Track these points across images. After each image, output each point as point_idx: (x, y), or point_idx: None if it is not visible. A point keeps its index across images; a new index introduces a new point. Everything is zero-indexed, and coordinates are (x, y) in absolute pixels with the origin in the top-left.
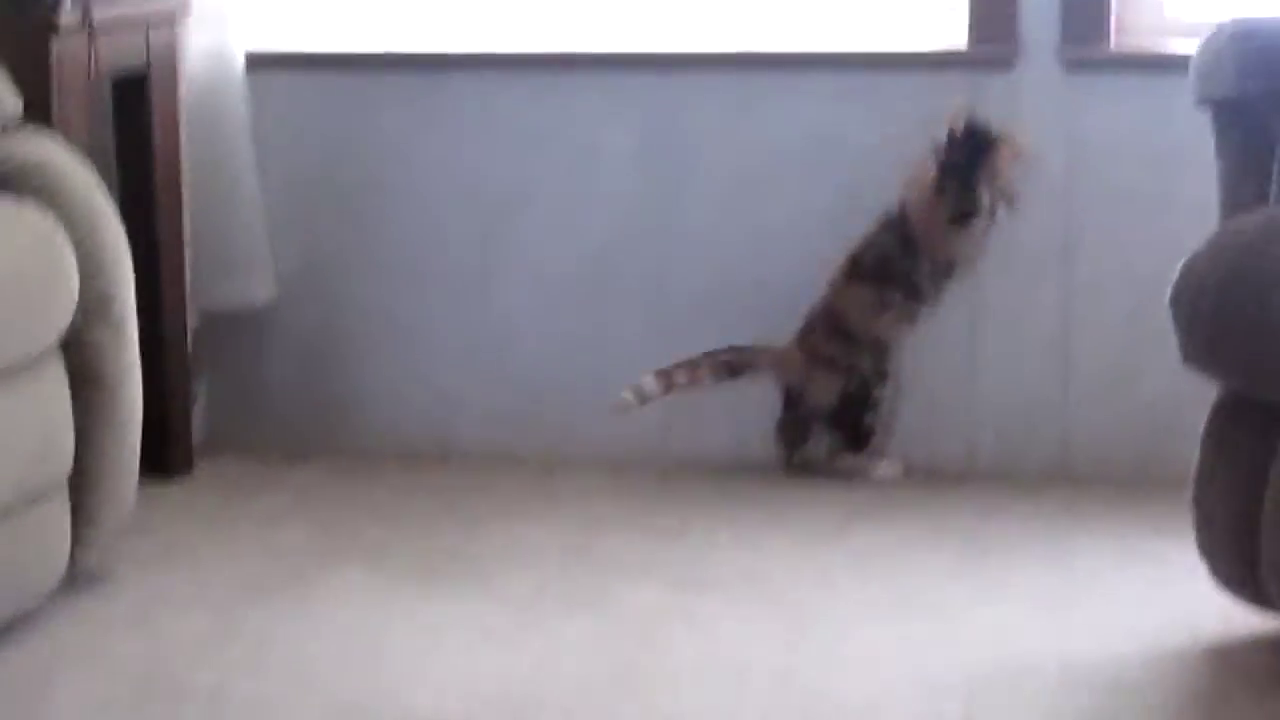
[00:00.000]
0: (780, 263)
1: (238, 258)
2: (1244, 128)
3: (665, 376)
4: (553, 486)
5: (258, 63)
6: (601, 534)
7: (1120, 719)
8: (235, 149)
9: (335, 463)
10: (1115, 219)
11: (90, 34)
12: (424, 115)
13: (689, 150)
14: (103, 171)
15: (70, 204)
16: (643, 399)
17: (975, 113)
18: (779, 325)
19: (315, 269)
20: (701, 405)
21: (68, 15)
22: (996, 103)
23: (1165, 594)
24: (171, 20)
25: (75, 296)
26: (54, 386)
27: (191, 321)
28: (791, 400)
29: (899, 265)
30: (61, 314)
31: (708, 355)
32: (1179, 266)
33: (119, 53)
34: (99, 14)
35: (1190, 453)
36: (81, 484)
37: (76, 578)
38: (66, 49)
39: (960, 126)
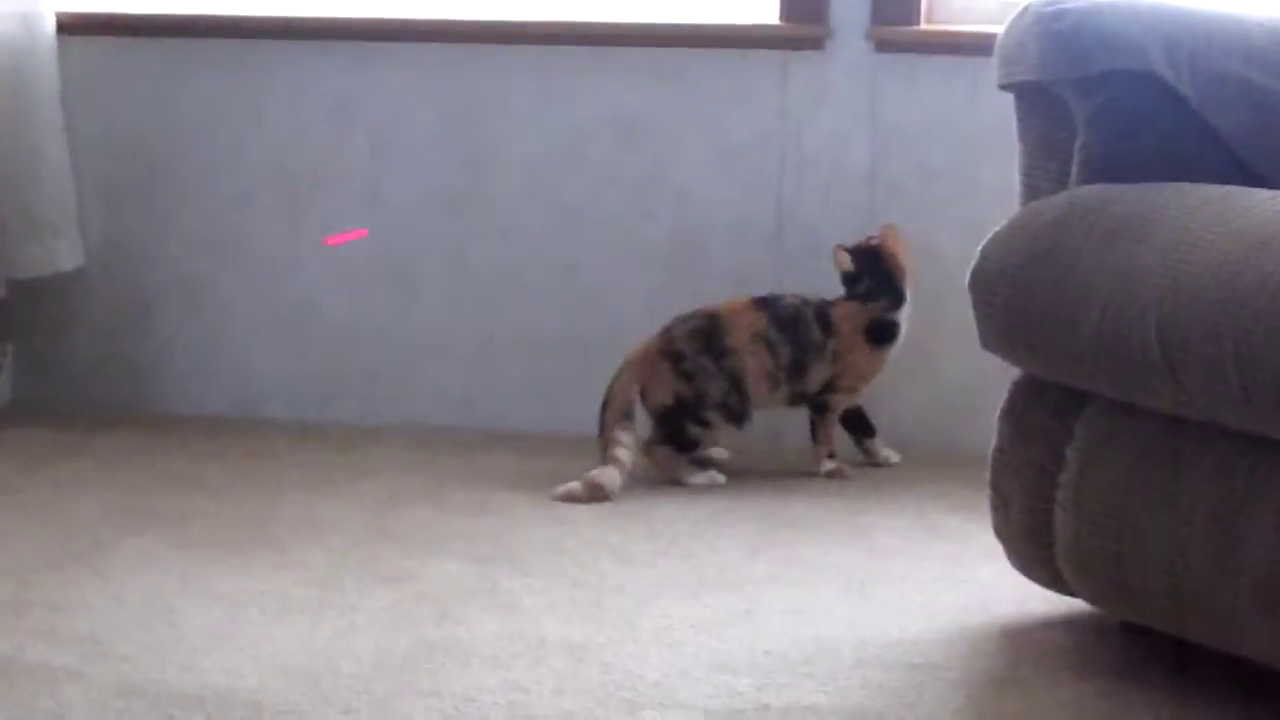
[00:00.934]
0: (585, 241)
1: (45, 224)
2: (1046, 112)
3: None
4: (354, 459)
5: (68, 25)
6: (402, 507)
7: (916, 697)
8: (43, 114)
9: (139, 431)
10: (921, 200)
11: None
12: (232, 83)
13: (495, 125)
14: None
15: None
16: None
17: (846, 246)
18: (582, 304)
19: (123, 236)
20: (505, 378)
21: None
22: (806, 82)
23: (963, 574)
24: None
25: None
26: None
27: None
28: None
29: (806, 356)
30: None
31: (609, 415)
32: (978, 250)
33: None
34: None
35: (991, 434)
36: None
37: None
38: None
39: (847, 262)
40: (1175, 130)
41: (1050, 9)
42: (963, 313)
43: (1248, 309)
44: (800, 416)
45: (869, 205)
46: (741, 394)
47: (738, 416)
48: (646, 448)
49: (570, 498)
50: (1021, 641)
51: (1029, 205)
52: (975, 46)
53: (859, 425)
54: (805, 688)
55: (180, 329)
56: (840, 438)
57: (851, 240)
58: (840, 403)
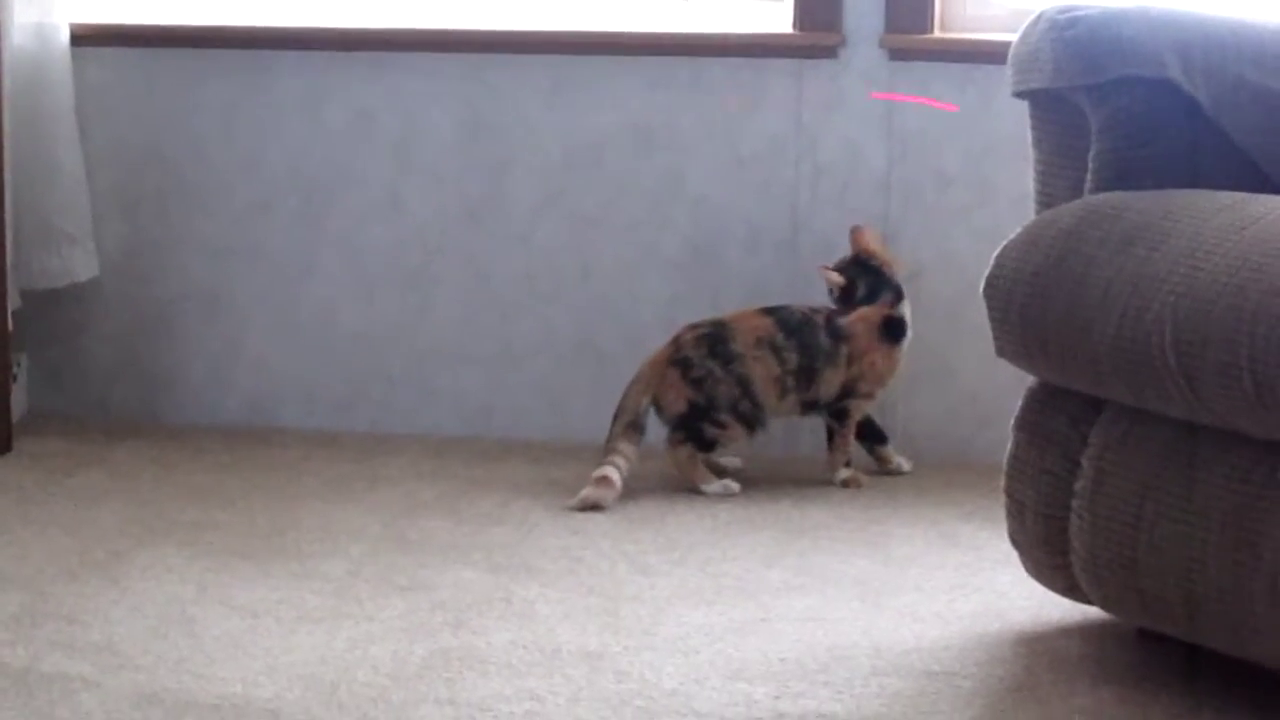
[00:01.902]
0: (602, 249)
1: (60, 234)
2: (1060, 119)
3: (614, 466)
4: (372, 468)
5: (82, 36)
6: (419, 516)
7: (931, 705)
8: (58, 124)
9: (155, 441)
10: (936, 208)
11: None
12: (248, 92)
13: (511, 133)
14: None
15: None
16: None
17: (828, 265)
18: (599, 312)
19: (138, 246)
20: (525, 387)
21: None
22: (820, 90)
23: (978, 581)
24: None
25: None
26: None
27: (12, 299)
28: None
29: (815, 363)
30: None
31: (617, 426)
32: (993, 257)
33: None
34: None
35: (1006, 442)
36: None
37: None
38: None
39: (837, 278)
40: (1189, 136)
41: (1064, 16)
42: (978, 320)
43: (1262, 315)
44: (815, 424)
45: (884, 212)
46: (753, 400)
47: (750, 422)
48: (668, 447)
49: (586, 505)
50: (1037, 649)
51: (1044, 212)
52: (989, 54)
53: (870, 433)
54: (821, 696)
55: (197, 338)
56: (854, 449)
57: (831, 260)
58: (859, 408)
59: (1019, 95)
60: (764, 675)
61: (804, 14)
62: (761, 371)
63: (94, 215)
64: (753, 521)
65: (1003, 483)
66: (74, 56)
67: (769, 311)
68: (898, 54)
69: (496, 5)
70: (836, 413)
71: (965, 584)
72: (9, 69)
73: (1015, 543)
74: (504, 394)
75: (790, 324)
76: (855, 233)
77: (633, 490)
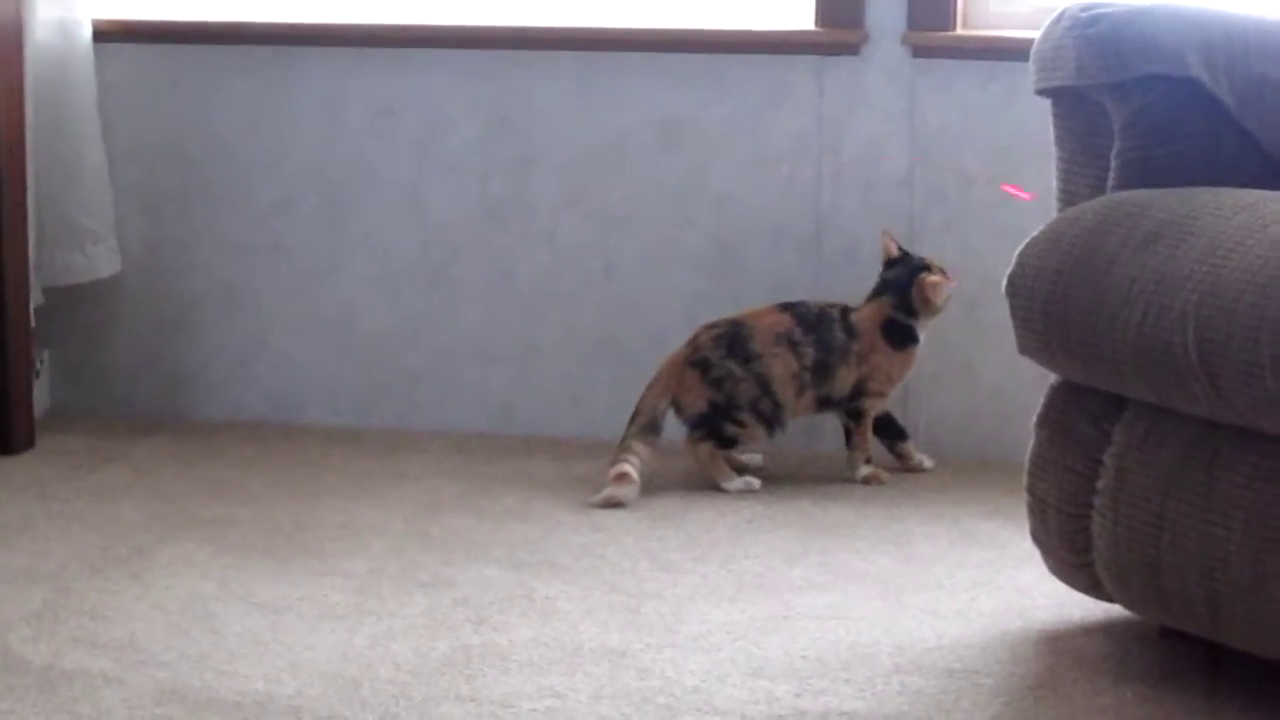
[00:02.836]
0: (625, 246)
1: (83, 231)
2: (1083, 117)
3: (628, 470)
4: (394, 464)
5: (105, 32)
6: (442, 513)
7: (953, 703)
8: (80, 120)
9: (177, 437)
10: (959, 205)
11: None
12: (271, 89)
13: (535, 131)
14: None
15: None
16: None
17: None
18: (622, 309)
19: (160, 243)
20: (548, 384)
21: None
22: (843, 87)
23: (1000, 580)
24: None
25: None
26: None
27: (35, 295)
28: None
29: (830, 358)
30: None
31: (632, 427)
32: (1015, 255)
33: None
34: None
35: (1028, 440)
36: None
37: None
38: None
39: (894, 248)
40: (1213, 135)
41: (1086, 14)
42: (1000, 318)
43: None
44: (835, 421)
45: (907, 210)
46: (772, 399)
47: (770, 422)
48: (689, 444)
49: (609, 503)
50: (1059, 647)
51: (1066, 210)
52: (1011, 51)
53: (890, 430)
54: (843, 693)
55: (219, 335)
56: (874, 445)
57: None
58: (872, 406)
59: (1041, 93)
60: (786, 672)
61: (826, 11)
62: (780, 369)
63: (116, 212)
64: (774, 519)
65: (1025, 481)
66: (96, 53)
67: (786, 307)
68: (920, 51)
69: (519, 2)
70: (851, 412)
71: (987, 582)
72: (32, 65)
73: (1037, 541)
74: (527, 391)
75: (808, 319)
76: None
77: (654, 488)
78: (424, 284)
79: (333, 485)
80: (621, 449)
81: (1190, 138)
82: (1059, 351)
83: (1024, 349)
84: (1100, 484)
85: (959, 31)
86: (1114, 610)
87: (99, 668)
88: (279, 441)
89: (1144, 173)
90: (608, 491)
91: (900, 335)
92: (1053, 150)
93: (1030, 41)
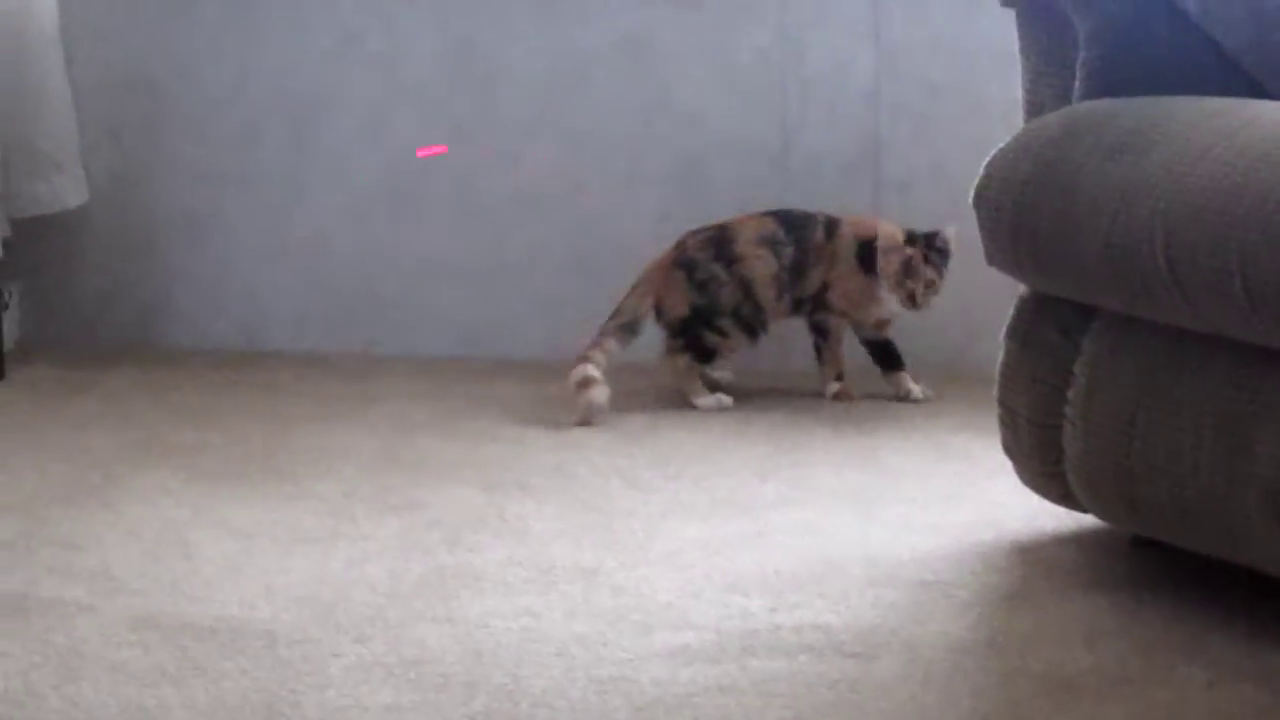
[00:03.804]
0: (592, 165)
1: (48, 161)
2: (1048, 27)
3: (592, 363)
4: (364, 388)
5: None
6: (413, 435)
7: (927, 615)
8: (44, 50)
9: (147, 366)
10: (925, 118)
11: None
12: (235, 15)
13: (498, 51)
14: None
15: None
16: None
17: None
18: (590, 228)
19: (127, 172)
20: (517, 305)
21: None
22: (807, 3)
23: (972, 492)
24: None
25: None
26: None
27: (1, 227)
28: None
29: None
30: None
31: (609, 324)
32: (982, 166)
33: None
34: None
35: (998, 352)
36: None
37: None
38: None
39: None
40: (1177, 43)
41: None
42: (968, 230)
43: (1252, 221)
44: (806, 338)
45: (873, 124)
46: (754, 301)
47: (751, 328)
48: (666, 357)
49: (587, 417)
50: (1032, 558)
51: (1033, 121)
52: None
53: (885, 357)
54: (817, 607)
55: (187, 262)
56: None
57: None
58: (834, 325)
59: (1007, 4)
60: (759, 588)
61: None
62: (762, 270)
63: (82, 141)
64: (745, 436)
65: (995, 392)
66: None
67: (772, 213)
68: None
69: None
70: (816, 326)
71: (959, 494)
72: None
73: (1008, 452)
74: (496, 312)
75: (791, 220)
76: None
77: (625, 407)
78: (391, 207)
79: (303, 410)
80: (592, 344)
81: (1155, 46)
82: (1027, 262)
83: (992, 260)
84: (1070, 394)
85: None
86: (1085, 520)
87: (72, 596)
88: (249, 368)
89: (1109, 82)
90: (580, 404)
91: (873, 262)
92: (1018, 61)
93: None
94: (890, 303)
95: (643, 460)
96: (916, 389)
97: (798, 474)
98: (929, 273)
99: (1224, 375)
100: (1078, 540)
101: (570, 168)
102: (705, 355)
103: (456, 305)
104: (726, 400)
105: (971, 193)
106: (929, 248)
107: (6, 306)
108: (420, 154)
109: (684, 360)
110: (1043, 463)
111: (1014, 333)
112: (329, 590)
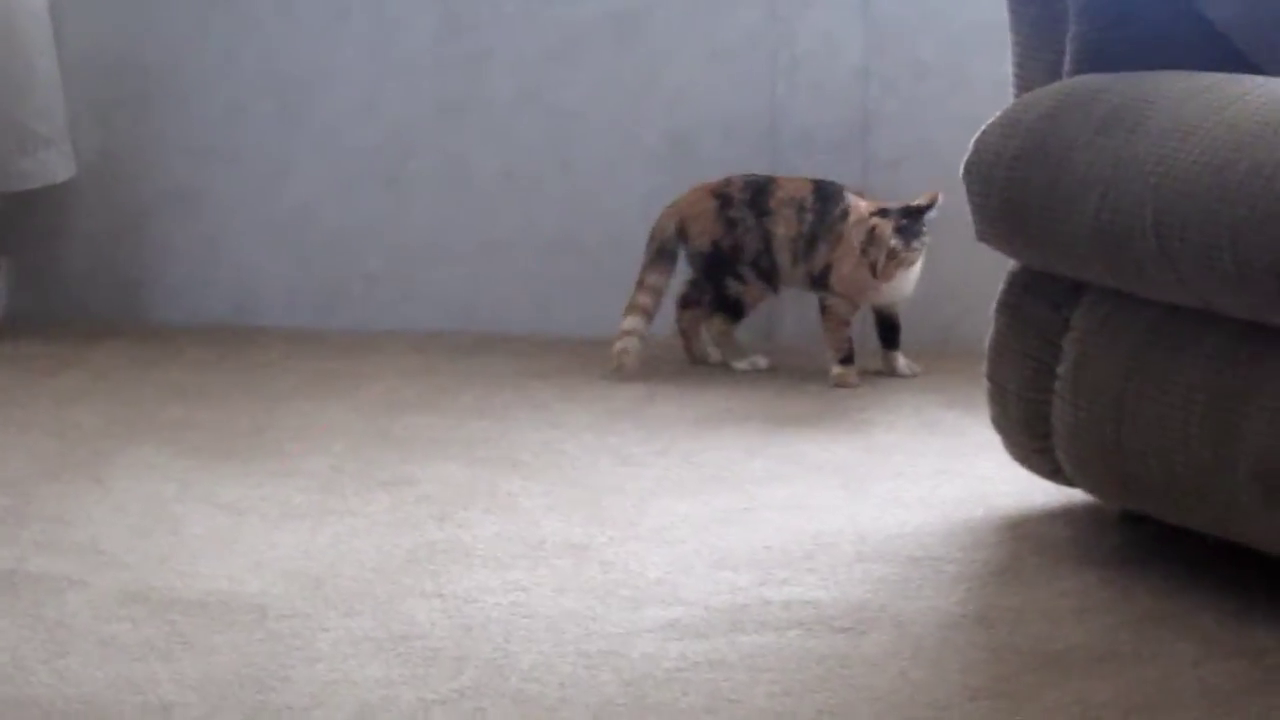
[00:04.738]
0: (582, 142)
1: (35, 136)
2: (1037, 3)
3: (642, 312)
4: (353, 365)
5: None
6: (402, 411)
7: (917, 590)
8: (32, 26)
9: (135, 342)
10: (914, 95)
11: None
12: None
13: (487, 28)
14: None
15: None
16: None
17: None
18: (579, 205)
19: (115, 147)
20: (506, 281)
21: None
22: None
23: (961, 467)
24: None
25: None
26: None
27: None
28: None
29: (820, 231)
30: None
31: (647, 254)
32: (972, 141)
33: None
34: None
35: (987, 328)
36: None
37: None
38: None
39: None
40: (1167, 19)
41: None
42: (958, 206)
43: (1241, 196)
44: (796, 315)
45: (861, 101)
46: (771, 258)
47: (770, 278)
48: (706, 321)
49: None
50: (1021, 533)
51: (1022, 97)
52: None
53: (887, 335)
54: (807, 582)
55: (176, 238)
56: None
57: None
58: (837, 307)
59: None
60: (748, 563)
61: None
62: (782, 230)
63: (70, 116)
64: (734, 412)
65: (985, 368)
66: None
67: (814, 180)
68: None
69: None
70: (820, 304)
71: (948, 470)
72: None
73: (998, 427)
74: (485, 289)
75: (825, 191)
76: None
77: (610, 381)
78: (380, 183)
79: (292, 387)
80: (637, 289)
81: (1146, 22)
82: (1017, 238)
83: (982, 236)
84: (1060, 369)
85: None
86: (1075, 496)
87: (62, 571)
88: (237, 344)
89: (1099, 57)
90: (612, 355)
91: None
92: (1008, 37)
93: None
94: (889, 289)
95: (632, 437)
96: (904, 363)
97: (787, 450)
98: (896, 243)
99: (1214, 351)
100: (1067, 515)
101: (559, 144)
102: (734, 310)
103: (445, 281)
104: (761, 361)
105: (961, 168)
106: (905, 217)
107: None
108: None
109: (718, 321)
110: (1032, 438)
111: (1004, 308)
112: (318, 565)
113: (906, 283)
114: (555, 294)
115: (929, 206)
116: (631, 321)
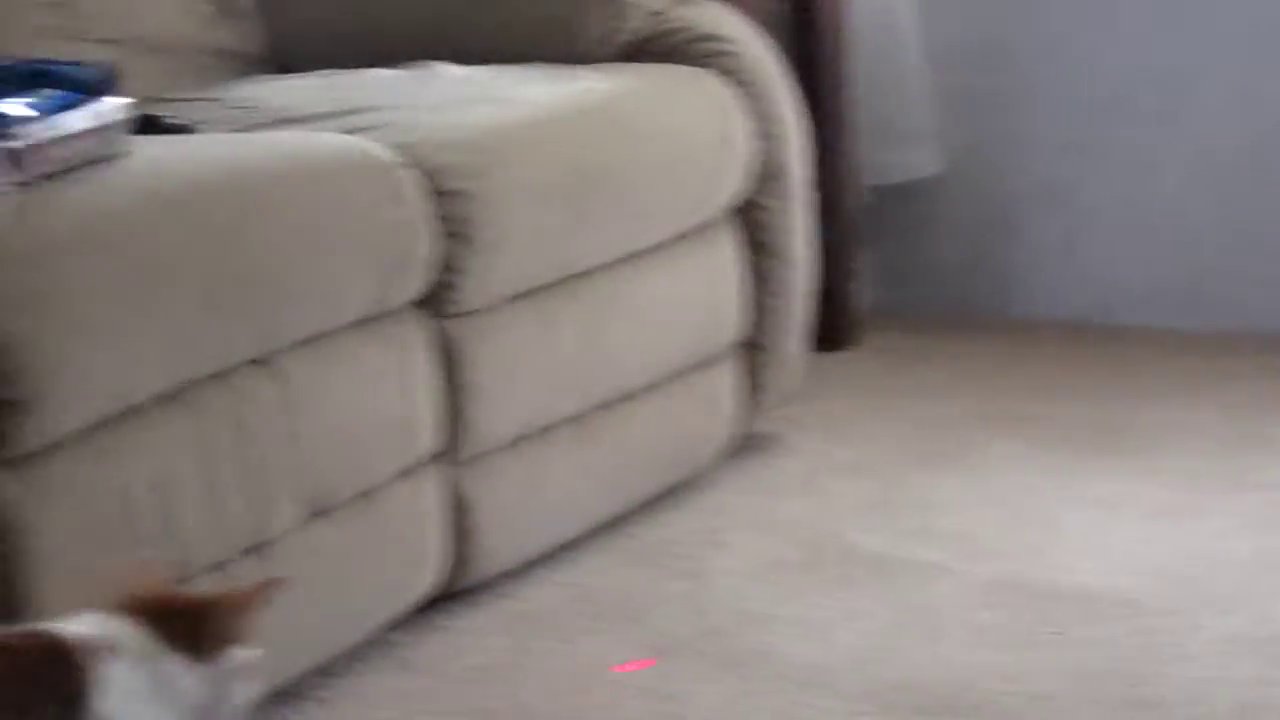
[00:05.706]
0: None
1: (904, 130)
2: None
3: None
4: (1220, 366)
5: None
6: (1270, 413)
7: None
8: (899, 17)
9: (994, 335)
10: None
11: None
12: None
13: None
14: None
15: (745, 73)
16: None
17: None
18: None
19: (982, 142)
20: None
21: None
22: None
23: None
24: None
25: (747, 164)
26: (725, 254)
27: (859, 194)
28: None
29: None
30: (732, 181)
31: None
32: None
33: None
34: None
35: None
36: (752, 351)
37: (745, 443)
38: None
39: None
40: None
41: None
42: None
43: None
44: None
45: None
46: None
47: None
48: None
49: None
50: None
51: None
52: None
53: None
54: None
55: (1036, 234)
56: None
57: None
58: None
59: None
60: None
61: None
62: None
63: (938, 110)
64: None
65: None
66: None
67: None
68: None
69: None
70: None
71: None
72: None
73: None
74: None
75: None
76: None
77: None
78: (1249, 182)
79: (1153, 385)
80: None
81: None
82: None
83: None
84: None
85: None
86: None
87: (932, 559)
88: (1098, 341)
89: None
90: None
91: None
92: None
93: None
94: None
95: None
96: None
97: None
98: None
99: None
100: None
101: None
102: None
103: None
104: None
105: None
106: None
107: (863, 272)
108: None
109: None
110: None
111: None
112: (1189, 563)
113: None
114: None
115: None
116: None
